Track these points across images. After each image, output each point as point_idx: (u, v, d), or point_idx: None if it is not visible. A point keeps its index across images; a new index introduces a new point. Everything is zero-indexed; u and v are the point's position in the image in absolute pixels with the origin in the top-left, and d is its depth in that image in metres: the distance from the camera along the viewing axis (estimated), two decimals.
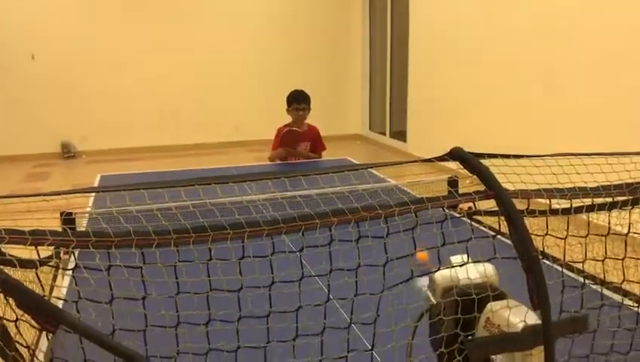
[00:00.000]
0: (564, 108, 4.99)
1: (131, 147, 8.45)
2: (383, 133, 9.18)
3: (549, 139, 5.04)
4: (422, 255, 2.04)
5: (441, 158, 1.09)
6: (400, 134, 8.49)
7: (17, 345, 0.80)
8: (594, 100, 4.67)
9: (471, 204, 1.60)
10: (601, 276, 1.18)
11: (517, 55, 5.57)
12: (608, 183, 1.14)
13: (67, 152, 8.37)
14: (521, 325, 0.93)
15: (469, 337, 0.98)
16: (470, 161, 1.03)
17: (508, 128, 5.74)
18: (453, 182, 2.69)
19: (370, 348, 1.01)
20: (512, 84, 5.70)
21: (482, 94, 6.21)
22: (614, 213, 1.17)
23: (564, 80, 4.98)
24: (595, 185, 1.13)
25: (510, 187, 1.03)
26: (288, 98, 4.48)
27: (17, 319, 0.78)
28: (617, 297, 1.30)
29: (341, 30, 9.33)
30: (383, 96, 9.11)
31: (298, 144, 4.40)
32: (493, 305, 0.98)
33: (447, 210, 1.09)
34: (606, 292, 1.25)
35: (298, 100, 4.43)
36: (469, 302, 0.99)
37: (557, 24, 5.02)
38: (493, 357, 0.97)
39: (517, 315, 0.94)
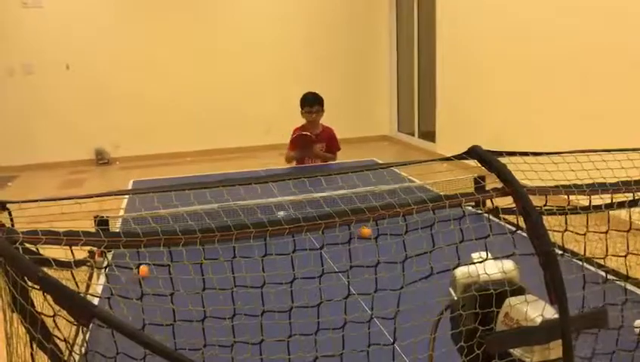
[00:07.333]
0: (597, 108, 4.91)
1: (163, 153, 8.60)
2: (412, 134, 9.14)
3: (581, 139, 4.96)
4: (365, 231, 2.02)
5: (460, 157, 1.11)
6: (429, 135, 8.44)
7: (55, 339, 0.85)
8: (625, 101, 4.59)
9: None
10: (623, 271, 1.18)
11: (548, 53, 5.50)
12: (629, 179, 1.14)
13: (101, 159, 8.56)
14: (539, 319, 0.94)
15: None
16: (487, 158, 1.05)
17: (538, 128, 5.67)
18: (479, 181, 2.67)
19: (392, 341, 1.03)
20: (542, 83, 5.63)
21: (512, 93, 6.15)
22: (635, 208, 1.17)
23: (597, 80, 4.90)
24: (615, 180, 1.13)
25: (529, 184, 1.05)
26: (301, 101, 4.56)
27: (55, 314, 0.82)
28: None
29: (368, 31, 9.34)
30: (411, 97, 9.07)
31: (311, 147, 4.45)
32: (511, 300, 1.00)
33: (469, 207, 1.11)
34: (629, 287, 1.25)
35: (310, 103, 4.51)
36: (489, 297, 1.01)
37: (590, 23, 4.95)
38: (512, 351, 0.98)
39: (535, 309, 0.96)
